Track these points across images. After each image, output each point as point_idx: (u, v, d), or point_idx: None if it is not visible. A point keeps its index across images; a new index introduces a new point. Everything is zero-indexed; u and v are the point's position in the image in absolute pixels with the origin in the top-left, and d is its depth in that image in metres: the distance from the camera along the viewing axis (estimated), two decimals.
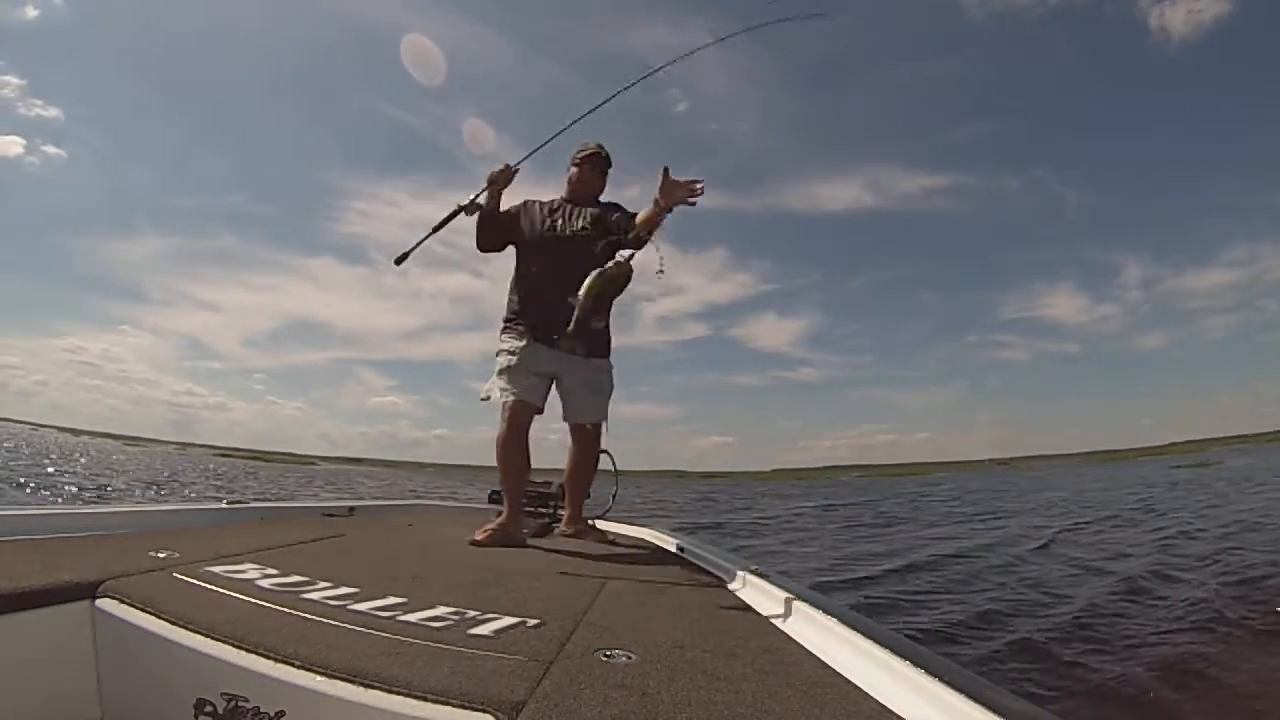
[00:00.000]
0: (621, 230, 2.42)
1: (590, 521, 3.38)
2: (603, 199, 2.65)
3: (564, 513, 2.86)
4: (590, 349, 2.56)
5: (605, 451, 3.32)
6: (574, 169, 2.63)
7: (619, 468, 3.44)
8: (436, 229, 2.45)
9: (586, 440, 2.66)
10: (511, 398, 2.46)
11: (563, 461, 2.77)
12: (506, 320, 2.58)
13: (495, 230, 2.56)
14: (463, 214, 2.49)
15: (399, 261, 2.43)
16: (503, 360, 2.51)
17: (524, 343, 2.50)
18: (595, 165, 2.63)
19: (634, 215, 2.41)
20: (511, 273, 2.63)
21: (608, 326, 2.64)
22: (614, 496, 3.42)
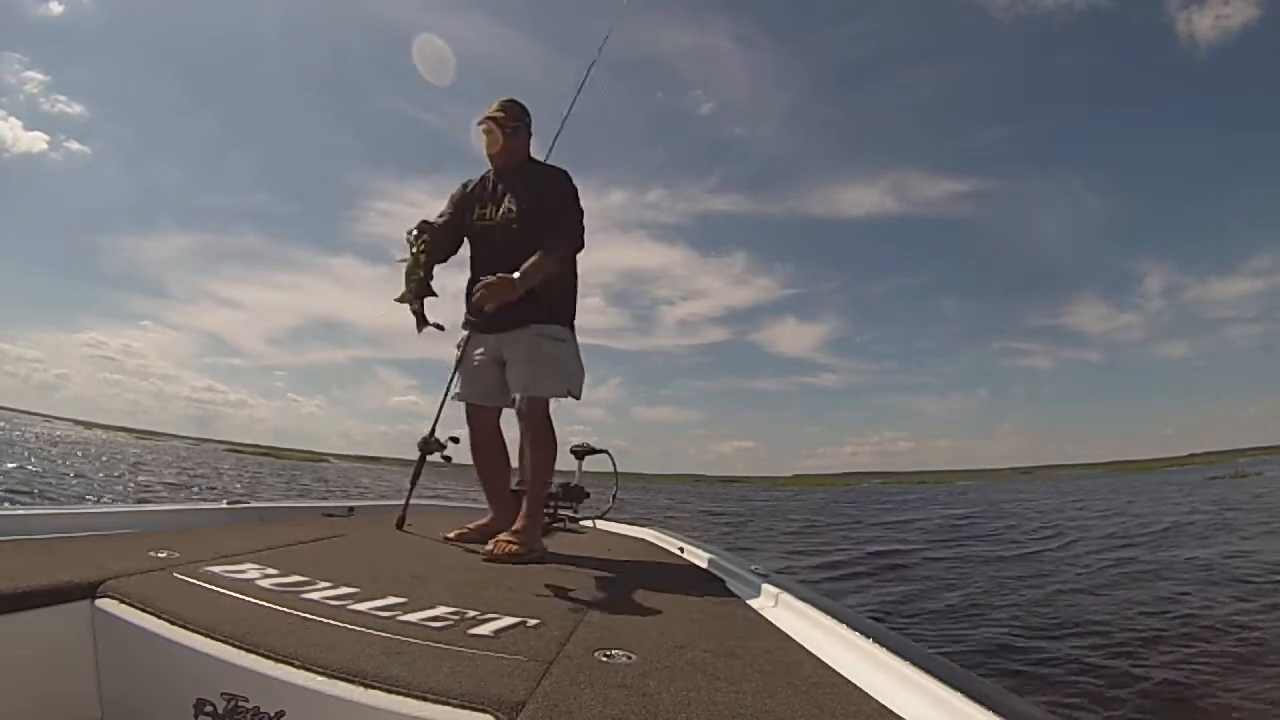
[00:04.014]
0: (548, 229, 2.24)
1: (591, 522, 3.38)
2: (534, 155, 2.47)
3: (564, 517, 2.76)
4: (529, 314, 2.29)
5: (605, 451, 3.31)
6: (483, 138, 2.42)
7: (619, 468, 3.45)
8: (414, 481, 2.55)
9: (525, 421, 2.27)
10: (460, 399, 2.41)
11: (569, 461, 2.68)
12: None
13: (442, 251, 2.41)
14: (435, 454, 2.48)
15: (399, 526, 2.48)
16: (456, 355, 2.45)
17: (466, 332, 2.42)
18: (490, 132, 2.37)
19: (565, 205, 2.31)
20: None
21: (565, 286, 2.39)
22: (614, 497, 3.42)
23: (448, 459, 2.46)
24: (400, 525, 2.44)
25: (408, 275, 2.28)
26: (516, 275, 2.16)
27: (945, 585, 5.84)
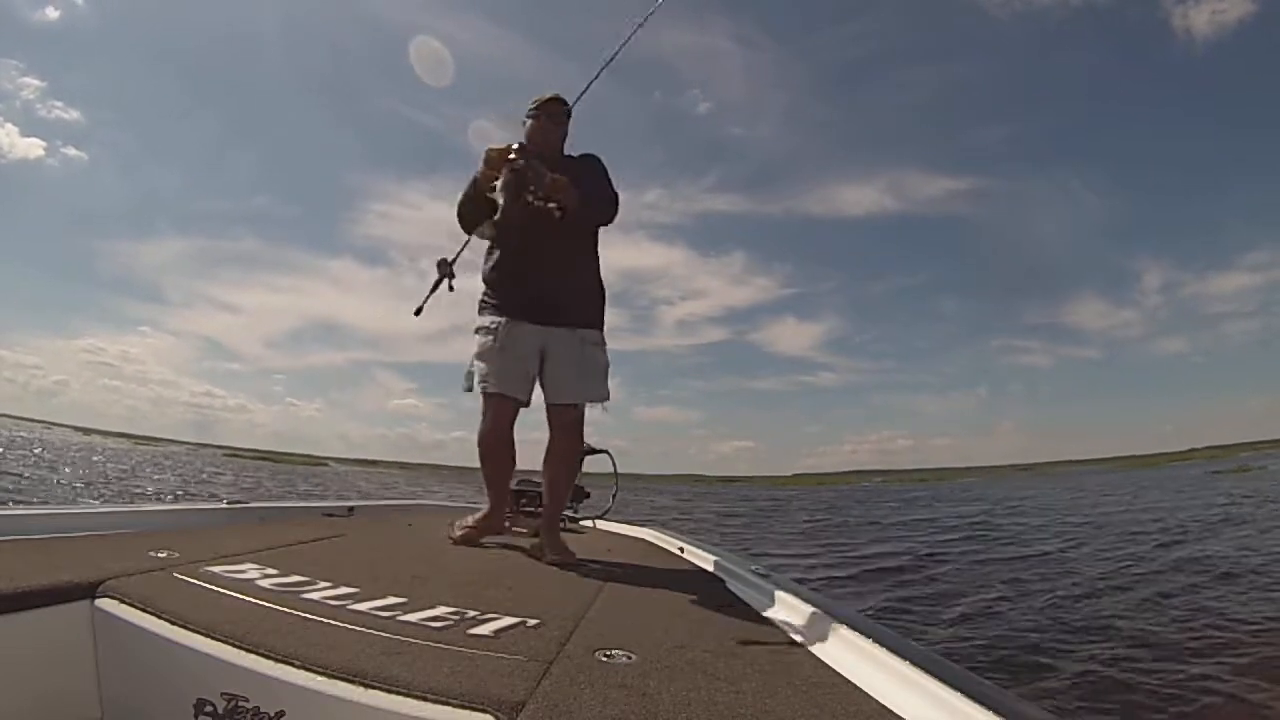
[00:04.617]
0: (593, 202, 2.23)
1: (591, 522, 3.38)
2: (569, 151, 2.41)
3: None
4: (574, 315, 2.30)
5: (605, 451, 3.31)
6: (530, 121, 2.35)
7: (619, 468, 3.44)
8: (431, 292, 2.51)
9: (565, 425, 2.30)
10: (492, 389, 2.26)
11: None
12: (483, 296, 2.37)
13: (480, 211, 2.31)
14: (445, 281, 2.49)
15: (417, 313, 2.49)
16: (481, 340, 2.29)
17: (503, 319, 2.28)
18: (553, 116, 2.36)
19: (604, 180, 2.33)
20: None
21: (599, 289, 2.41)
22: (614, 496, 3.42)
23: (452, 288, 2.49)
24: (418, 313, 2.49)
25: (507, 183, 2.08)
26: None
27: (1031, 592, 5.04)
